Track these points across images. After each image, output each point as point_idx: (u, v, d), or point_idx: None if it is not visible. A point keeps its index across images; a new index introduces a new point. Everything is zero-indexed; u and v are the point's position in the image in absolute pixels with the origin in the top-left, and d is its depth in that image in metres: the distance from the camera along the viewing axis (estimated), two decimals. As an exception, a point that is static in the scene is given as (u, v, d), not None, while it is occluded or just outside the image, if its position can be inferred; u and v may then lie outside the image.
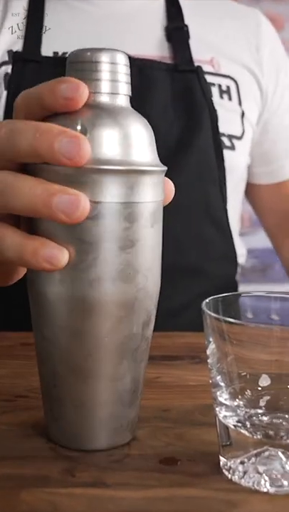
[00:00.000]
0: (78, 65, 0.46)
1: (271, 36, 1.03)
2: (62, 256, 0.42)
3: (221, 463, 0.46)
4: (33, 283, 0.46)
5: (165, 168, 0.47)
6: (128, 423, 0.49)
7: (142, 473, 0.45)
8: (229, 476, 0.45)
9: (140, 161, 0.44)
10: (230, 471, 0.45)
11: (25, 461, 0.46)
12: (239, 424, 0.45)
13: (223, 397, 0.46)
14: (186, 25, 0.95)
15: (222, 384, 0.46)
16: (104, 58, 0.45)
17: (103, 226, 0.43)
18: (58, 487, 0.43)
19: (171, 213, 0.89)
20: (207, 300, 0.46)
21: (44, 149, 0.41)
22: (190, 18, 0.96)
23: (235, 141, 0.94)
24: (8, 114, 0.86)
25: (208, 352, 0.46)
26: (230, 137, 0.94)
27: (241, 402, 0.45)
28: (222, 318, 0.44)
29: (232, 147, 0.94)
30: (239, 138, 0.95)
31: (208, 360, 0.46)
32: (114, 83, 0.46)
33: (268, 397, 0.46)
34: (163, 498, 0.42)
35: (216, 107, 0.91)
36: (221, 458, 0.46)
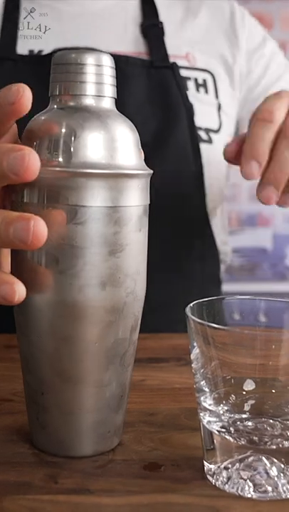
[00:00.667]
0: (63, 67, 0.45)
1: (246, 21, 1.03)
2: (17, 293, 0.42)
3: (205, 468, 0.46)
4: None
5: (151, 171, 0.47)
6: (115, 428, 0.49)
7: (126, 479, 0.45)
8: (213, 481, 0.45)
9: (127, 165, 0.44)
10: (214, 477, 0.45)
11: (7, 467, 0.45)
12: (223, 430, 0.45)
13: (207, 402, 0.45)
14: (161, 22, 0.95)
15: (206, 389, 0.45)
16: (89, 60, 0.45)
17: (92, 230, 0.43)
18: (40, 494, 0.42)
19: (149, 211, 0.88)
20: (191, 304, 0.46)
21: None
22: (165, 14, 0.96)
23: (212, 135, 0.94)
24: None
25: (192, 357, 0.46)
26: (207, 130, 0.93)
27: (226, 408, 0.45)
28: (206, 323, 0.44)
29: (209, 140, 0.93)
30: (216, 131, 0.95)
31: (193, 365, 0.46)
32: (99, 85, 0.45)
33: (253, 402, 0.46)
34: (146, 505, 0.42)
35: (192, 100, 0.91)
36: (205, 463, 0.46)
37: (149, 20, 0.95)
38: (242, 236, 1.10)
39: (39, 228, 0.40)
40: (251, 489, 0.44)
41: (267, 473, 0.44)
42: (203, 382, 0.46)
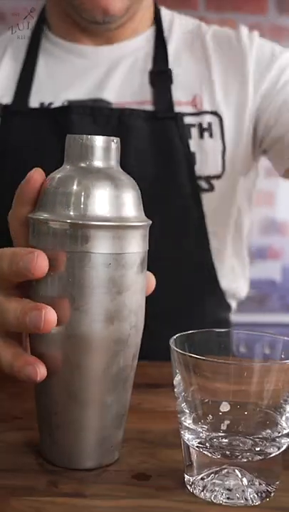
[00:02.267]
0: (76, 147, 0.53)
1: (255, 46, 1.00)
2: (39, 373, 0.52)
3: (185, 479, 0.53)
4: None
5: (150, 222, 0.55)
6: (117, 443, 0.56)
7: (116, 486, 0.52)
8: (191, 490, 0.52)
9: (130, 217, 0.52)
10: (192, 486, 0.52)
11: (16, 474, 0.53)
12: (201, 445, 0.52)
13: (187, 421, 0.53)
14: (170, 69, 0.97)
15: (186, 410, 0.53)
16: (98, 143, 0.53)
17: (103, 273, 0.51)
18: (42, 496, 0.50)
19: (155, 259, 0.97)
20: (174, 337, 0.54)
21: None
22: (175, 60, 0.99)
23: (214, 181, 0.96)
24: None
25: (174, 382, 0.54)
26: (208, 178, 0.96)
27: (204, 426, 0.52)
28: (187, 354, 0.52)
29: (210, 188, 0.96)
30: (218, 177, 0.96)
31: (175, 390, 0.54)
32: (107, 154, 0.53)
33: (228, 422, 0.53)
34: (131, 507, 0.49)
35: (195, 148, 0.94)
36: (185, 475, 0.53)
37: (158, 67, 0.98)
38: (252, 268, 1.17)
39: (49, 316, 0.49)
40: (223, 497, 0.51)
41: (238, 483, 0.51)
42: (184, 404, 0.53)
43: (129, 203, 0.52)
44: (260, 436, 0.52)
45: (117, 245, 0.50)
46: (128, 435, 0.61)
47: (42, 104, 0.96)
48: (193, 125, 0.96)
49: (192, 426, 0.53)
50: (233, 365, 0.52)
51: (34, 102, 0.96)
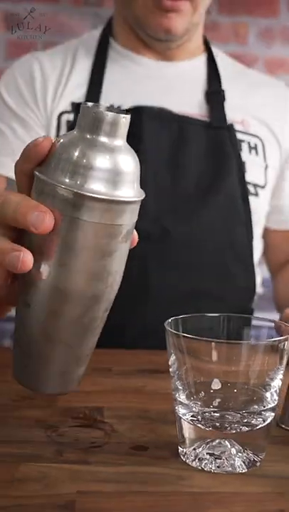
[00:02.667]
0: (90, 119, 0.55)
1: None
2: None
3: (179, 450, 0.59)
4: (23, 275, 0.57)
5: (142, 197, 0.57)
6: (78, 377, 0.60)
7: (117, 455, 0.58)
8: (184, 459, 0.57)
9: (124, 192, 0.55)
10: (185, 456, 0.58)
11: (25, 444, 0.59)
12: (194, 419, 0.57)
13: (181, 397, 0.58)
14: (223, 90, 1.12)
15: (180, 387, 0.58)
16: (108, 118, 0.55)
17: (90, 239, 0.54)
18: (49, 463, 0.55)
19: (200, 246, 1.06)
20: (169, 320, 0.59)
21: (21, 220, 0.53)
22: (228, 82, 1.14)
23: (259, 190, 1.10)
24: None
25: (169, 362, 0.59)
26: (255, 186, 1.10)
27: (197, 402, 0.58)
28: (180, 334, 0.57)
29: (256, 194, 1.10)
30: (262, 187, 1.11)
31: (170, 369, 0.59)
32: (114, 133, 0.55)
33: (219, 400, 0.58)
34: (129, 473, 0.55)
35: (245, 159, 1.08)
36: (179, 447, 0.59)
37: (212, 87, 1.12)
38: (264, 267, 1.22)
39: (26, 258, 0.53)
40: (212, 465, 0.56)
41: (226, 452, 0.56)
42: (178, 382, 0.58)
43: (125, 180, 0.55)
44: (248, 411, 0.57)
45: (107, 217, 0.54)
46: (131, 413, 0.67)
47: (112, 105, 1.05)
48: (243, 141, 1.10)
49: (185, 401, 0.58)
50: (223, 346, 0.57)
51: (104, 103, 1.06)
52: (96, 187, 0.54)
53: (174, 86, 1.11)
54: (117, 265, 0.57)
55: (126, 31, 1.12)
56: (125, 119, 0.55)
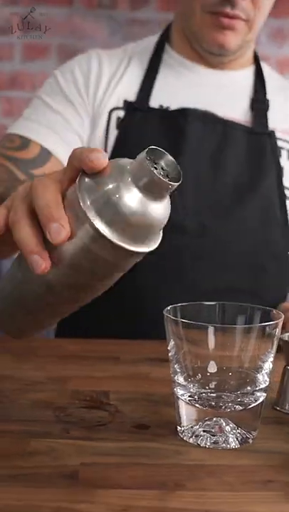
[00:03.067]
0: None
1: None
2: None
3: (178, 428, 0.63)
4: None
5: (148, 250, 0.58)
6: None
7: (119, 433, 0.62)
8: (182, 436, 0.62)
9: (141, 249, 0.56)
10: (183, 434, 0.62)
11: (35, 423, 0.64)
12: (191, 399, 0.62)
13: (179, 379, 0.62)
14: (268, 100, 1.18)
15: (179, 370, 0.62)
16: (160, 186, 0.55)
17: (90, 265, 0.56)
18: (56, 439, 0.60)
19: (235, 242, 1.11)
20: (168, 308, 0.63)
21: (43, 220, 0.55)
22: (272, 94, 1.20)
23: None
24: (116, 149, 1.10)
25: (168, 347, 0.63)
26: None
27: (194, 384, 0.62)
28: (179, 320, 0.61)
29: None
30: None
31: (169, 354, 0.63)
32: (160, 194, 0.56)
33: (215, 382, 0.62)
34: (131, 448, 0.59)
35: (283, 164, 1.13)
36: (178, 425, 0.63)
37: (258, 96, 1.19)
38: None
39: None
40: (208, 441, 0.60)
41: (222, 430, 0.60)
42: (176, 365, 0.63)
43: (148, 235, 0.56)
44: (242, 392, 0.61)
45: (115, 257, 0.55)
46: (136, 396, 0.72)
47: (161, 106, 1.13)
48: (282, 148, 1.16)
49: (183, 383, 0.62)
50: (218, 329, 0.61)
51: (154, 104, 1.14)
52: (121, 236, 0.54)
53: (221, 92, 1.17)
54: (106, 285, 0.59)
55: (182, 40, 1.18)
56: (171, 187, 0.55)
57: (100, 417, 0.66)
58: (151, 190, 0.54)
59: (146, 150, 0.54)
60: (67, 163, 0.57)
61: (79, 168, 0.55)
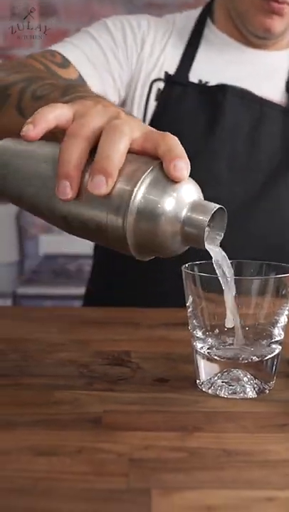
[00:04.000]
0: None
1: None
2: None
3: (197, 381, 0.65)
4: None
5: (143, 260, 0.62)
6: None
7: (140, 386, 0.65)
8: (201, 388, 0.64)
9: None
10: (202, 385, 0.64)
11: (59, 378, 0.66)
12: (210, 351, 0.64)
13: (198, 334, 0.65)
14: None
15: (197, 324, 0.65)
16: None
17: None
18: (80, 390, 0.63)
19: (268, 216, 1.15)
20: (186, 265, 0.65)
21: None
22: None
23: None
24: (154, 121, 1.12)
25: (187, 303, 0.65)
26: None
27: (212, 337, 0.64)
28: (196, 274, 0.63)
29: None
30: None
31: (188, 310, 0.65)
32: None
33: (232, 337, 0.64)
34: (151, 398, 0.62)
35: None
36: (196, 379, 0.65)
37: None
38: None
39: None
40: (226, 391, 0.63)
41: (239, 380, 0.63)
42: (194, 321, 0.65)
43: (154, 253, 0.61)
44: (258, 345, 0.63)
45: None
46: (155, 355, 0.74)
47: (200, 80, 1.15)
48: None
49: (202, 336, 0.64)
50: (235, 284, 0.63)
51: (193, 78, 1.15)
52: (135, 242, 0.57)
53: (260, 72, 1.18)
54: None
55: (225, 17, 1.19)
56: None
57: (122, 372, 0.68)
58: (188, 238, 0.58)
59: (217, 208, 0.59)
60: (147, 136, 0.58)
61: (154, 154, 0.56)
